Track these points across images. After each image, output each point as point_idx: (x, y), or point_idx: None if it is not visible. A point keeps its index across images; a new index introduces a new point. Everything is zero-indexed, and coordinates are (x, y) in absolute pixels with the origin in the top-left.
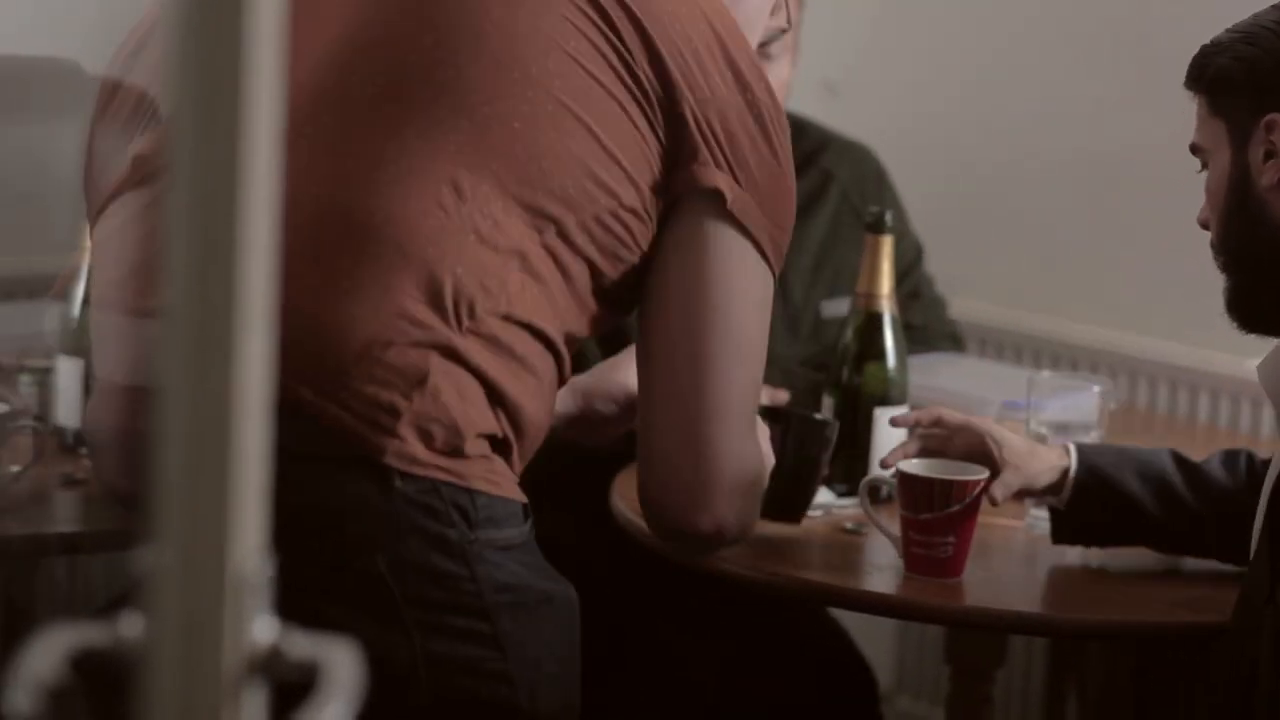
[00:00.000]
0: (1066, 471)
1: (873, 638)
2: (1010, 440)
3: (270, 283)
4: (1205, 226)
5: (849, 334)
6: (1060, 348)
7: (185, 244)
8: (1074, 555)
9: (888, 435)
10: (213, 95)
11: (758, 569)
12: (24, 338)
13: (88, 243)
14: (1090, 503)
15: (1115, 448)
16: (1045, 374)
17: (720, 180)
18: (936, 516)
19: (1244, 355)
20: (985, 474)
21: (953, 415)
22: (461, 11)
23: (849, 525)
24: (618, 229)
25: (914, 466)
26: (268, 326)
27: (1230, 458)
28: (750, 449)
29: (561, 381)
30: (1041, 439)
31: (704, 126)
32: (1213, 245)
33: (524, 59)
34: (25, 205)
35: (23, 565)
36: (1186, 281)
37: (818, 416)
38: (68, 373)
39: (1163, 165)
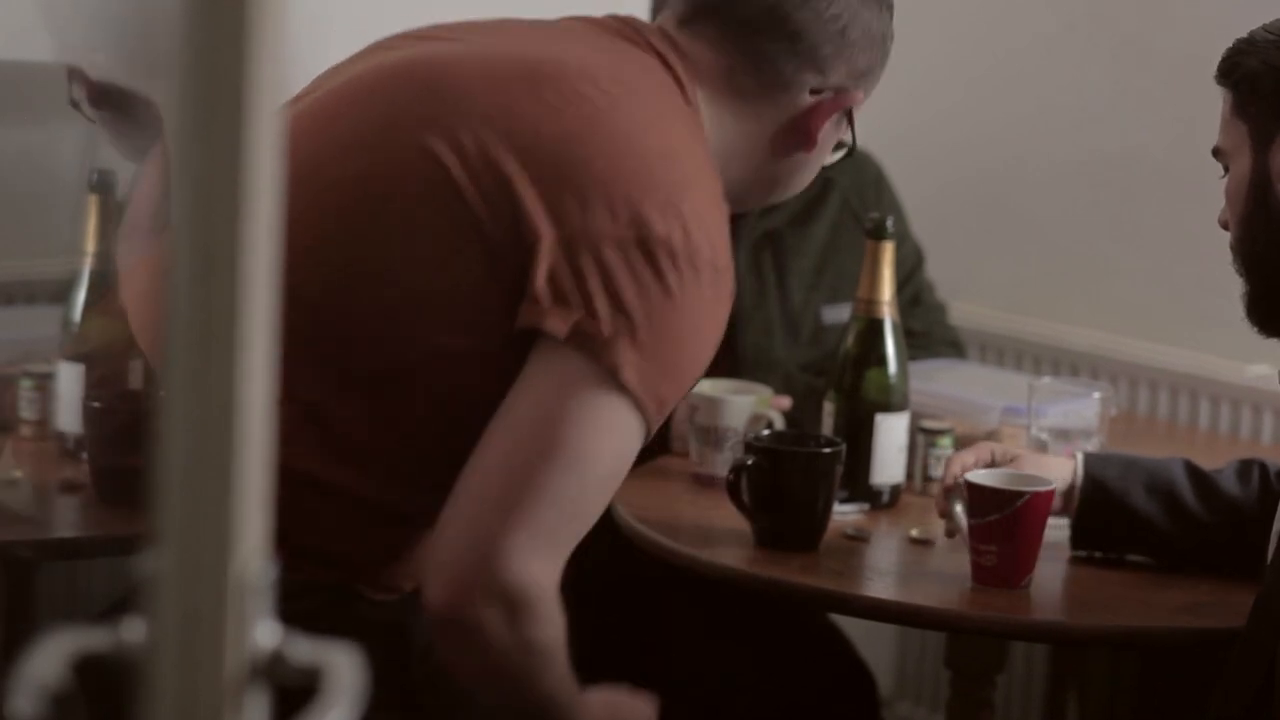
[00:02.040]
0: (1074, 484)
1: (873, 642)
2: (1020, 453)
3: (274, 287)
4: (1226, 227)
5: (849, 340)
6: (1061, 353)
7: (189, 248)
8: (1075, 562)
9: (889, 441)
10: (215, 104)
11: (759, 573)
12: (24, 342)
13: (90, 247)
14: (1097, 517)
15: (1125, 458)
16: (1046, 380)
17: (573, 322)
18: (980, 524)
19: (1245, 361)
20: (1044, 487)
21: (962, 455)
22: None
23: (850, 530)
24: (459, 378)
25: (980, 476)
26: (270, 330)
27: (1245, 467)
28: (544, 583)
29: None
30: (1042, 445)
31: (562, 266)
32: (1232, 247)
33: (337, 230)
34: (25, 209)
35: (23, 570)
36: (1188, 287)
37: (824, 450)
38: (68, 377)
39: (1164, 170)
